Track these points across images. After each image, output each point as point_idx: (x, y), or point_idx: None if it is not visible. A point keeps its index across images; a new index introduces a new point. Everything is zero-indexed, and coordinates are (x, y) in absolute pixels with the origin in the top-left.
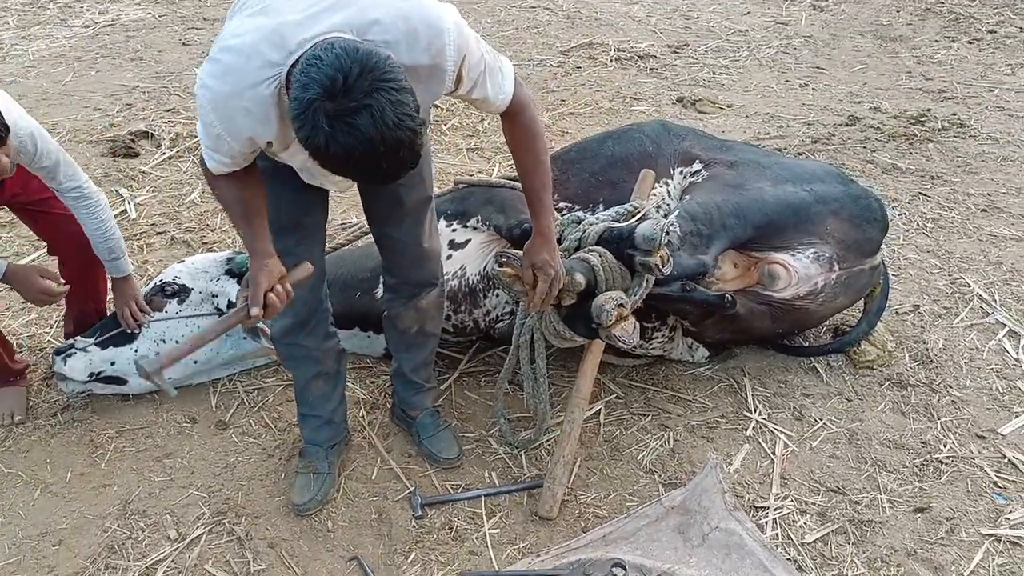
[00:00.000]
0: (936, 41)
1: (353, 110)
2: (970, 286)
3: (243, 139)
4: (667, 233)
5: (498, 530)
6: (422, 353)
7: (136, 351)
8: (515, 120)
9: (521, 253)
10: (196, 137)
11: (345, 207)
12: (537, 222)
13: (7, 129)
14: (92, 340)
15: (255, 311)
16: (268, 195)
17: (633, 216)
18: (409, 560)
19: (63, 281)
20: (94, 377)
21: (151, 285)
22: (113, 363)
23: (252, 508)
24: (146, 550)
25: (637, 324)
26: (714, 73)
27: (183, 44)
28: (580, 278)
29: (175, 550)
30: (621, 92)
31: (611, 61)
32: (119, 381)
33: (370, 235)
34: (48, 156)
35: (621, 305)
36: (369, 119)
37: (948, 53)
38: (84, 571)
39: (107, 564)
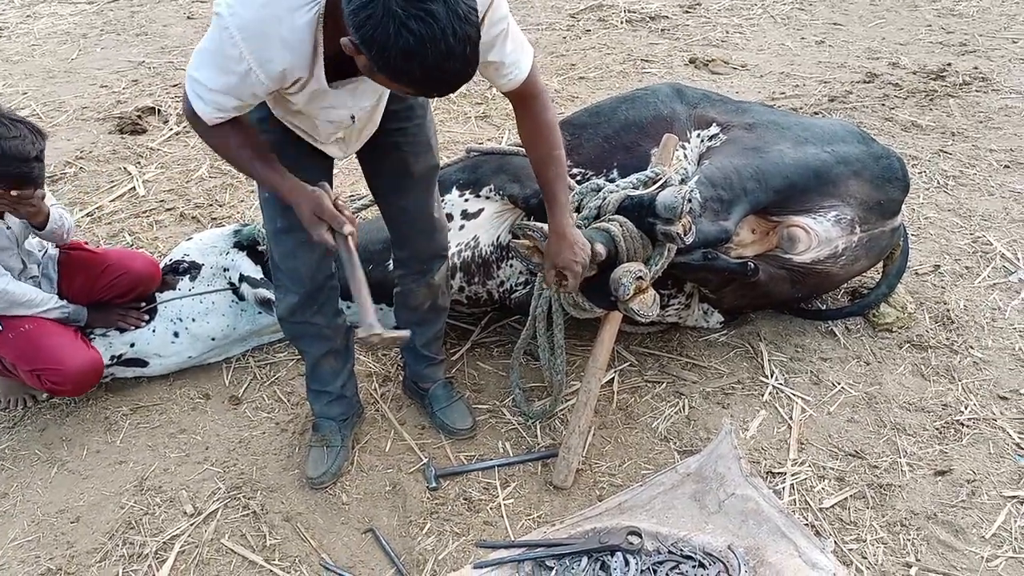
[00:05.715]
0: None
1: None
2: (992, 244)
3: (275, 75)
4: (689, 201)
5: (513, 500)
6: (433, 327)
7: (154, 331)
8: (529, 107)
9: (541, 225)
10: None
11: (353, 179)
12: (552, 220)
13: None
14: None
15: (348, 228)
16: None
17: (654, 183)
18: (424, 531)
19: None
20: (116, 360)
21: (161, 266)
22: (133, 345)
23: (267, 482)
24: (163, 525)
25: (657, 296)
26: (727, 32)
27: (188, 18)
28: (601, 249)
29: (191, 525)
30: (632, 54)
31: (621, 23)
32: (140, 363)
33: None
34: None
35: (640, 278)
36: (443, 6)
37: (970, 4)
38: (102, 547)
39: (124, 539)
